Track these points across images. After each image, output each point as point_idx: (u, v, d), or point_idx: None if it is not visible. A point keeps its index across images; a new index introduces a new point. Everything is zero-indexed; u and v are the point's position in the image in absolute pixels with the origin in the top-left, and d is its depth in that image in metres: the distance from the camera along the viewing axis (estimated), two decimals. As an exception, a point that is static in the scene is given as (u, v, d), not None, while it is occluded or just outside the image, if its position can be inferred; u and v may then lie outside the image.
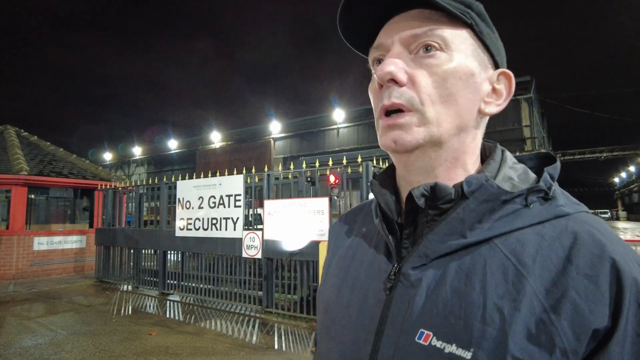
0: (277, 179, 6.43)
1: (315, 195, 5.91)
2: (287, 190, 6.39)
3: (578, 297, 0.41)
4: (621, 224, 43.44)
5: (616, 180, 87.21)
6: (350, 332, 0.55)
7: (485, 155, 0.59)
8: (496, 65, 0.58)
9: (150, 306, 6.65)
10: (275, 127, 31.55)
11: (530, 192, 0.49)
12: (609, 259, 0.43)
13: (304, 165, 6.11)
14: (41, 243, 9.80)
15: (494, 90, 0.57)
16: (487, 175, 0.51)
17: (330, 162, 5.88)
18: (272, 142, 31.87)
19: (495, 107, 0.56)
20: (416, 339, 0.47)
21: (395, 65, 0.51)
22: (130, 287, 8.11)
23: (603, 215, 59.94)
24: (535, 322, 0.42)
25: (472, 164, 0.56)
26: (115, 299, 7.14)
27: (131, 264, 8.31)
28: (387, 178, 0.62)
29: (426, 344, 0.46)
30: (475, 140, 0.56)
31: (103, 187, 9.23)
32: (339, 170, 5.71)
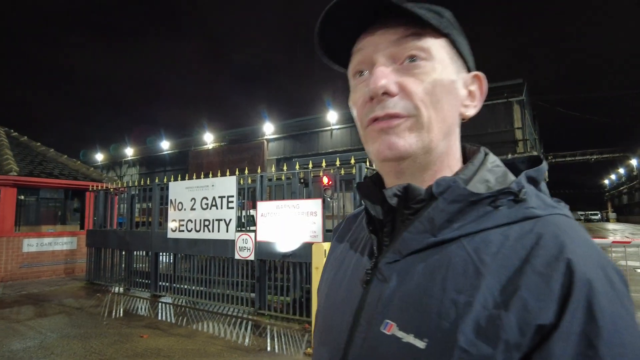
0: (270, 180, 6.42)
1: (309, 196, 5.91)
2: (280, 191, 6.37)
3: (528, 294, 0.43)
4: (611, 226, 43.94)
5: (606, 182, 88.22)
6: (335, 323, 0.59)
7: (468, 159, 0.61)
8: (468, 69, 0.61)
9: (141, 308, 6.60)
10: (268, 128, 31.49)
11: (499, 194, 0.50)
12: (566, 259, 0.43)
13: (297, 167, 6.11)
14: (31, 245, 9.69)
15: (469, 92, 0.60)
16: (456, 178, 0.53)
17: (324, 164, 5.88)
18: (265, 143, 31.80)
19: (473, 109, 0.60)
20: (381, 328, 0.50)
21: (386, 77, 0.53)
22: (121, 289, 8.04)
23: (593, 217, 60.50)
24: (486, 317, 0.44)
25: (455, 165, 0.58)
26: (106, 301, 7.07)
27: (123, 265, 8.24)
28: (375, 181, 0.64)
29: (389, 333, 0.49)
30: (457, 142, 0.59)
31: (94, 188, 9.15)
32: (332, 171, 5.71)
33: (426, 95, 0.53)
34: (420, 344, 0.46)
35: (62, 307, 6.63)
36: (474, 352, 0.43)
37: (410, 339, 0.47)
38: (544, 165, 0.56)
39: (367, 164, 5.54)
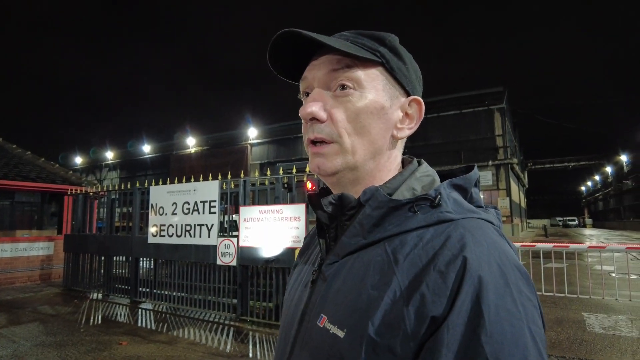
0: (253, 185, 6.39)
1: (292, 201, 5.90)
2: (263, 196, 6.35)
3: (427, 289, 0.47)
4: (587, 231, 45.05)
5: (583, 189, 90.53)
6: (288, 321, 0.66)
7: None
8: (408, 93, 0.65)
9: (121, 315, 6.46)
10: (252, 133, 31.37)
11: (417, 200, 0.56)
12: (462, 257, 0.48)
13: (281, 172, 6.10)
14: (4, 250, 9.38)
15: (406, 115, 0.65)
16: (378, 187, 0.59)
17: (308, 169, 5.89)
18: (248, 147, 31.68)
19: (407, 131, 0.65)
20: (317, 322, 0.57)
21: (315, 105, 0.60)
22: (100, 295, 7.85)
23: (571, 223, 61.62)
24: (392, 310, 0.49)
25: (387, 177, 0.64)
26: (83, 308, 6.89)
27: (101, 271, 8.05)
28: (323, 192, 0.71)
29: (322, 326, 0.56)
30: (391, 159, 0.65)
31: (73, 191, 8.95)
32: (316, 176, 5.72)
33: (349, 124, 0.60)
34: (341, 333, 0.52)
35: (37, 314, 6.44)
36: (380, 341, 0.48)
37: (335, 329, 0.53)
38: (472, 173, 0.61)
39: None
